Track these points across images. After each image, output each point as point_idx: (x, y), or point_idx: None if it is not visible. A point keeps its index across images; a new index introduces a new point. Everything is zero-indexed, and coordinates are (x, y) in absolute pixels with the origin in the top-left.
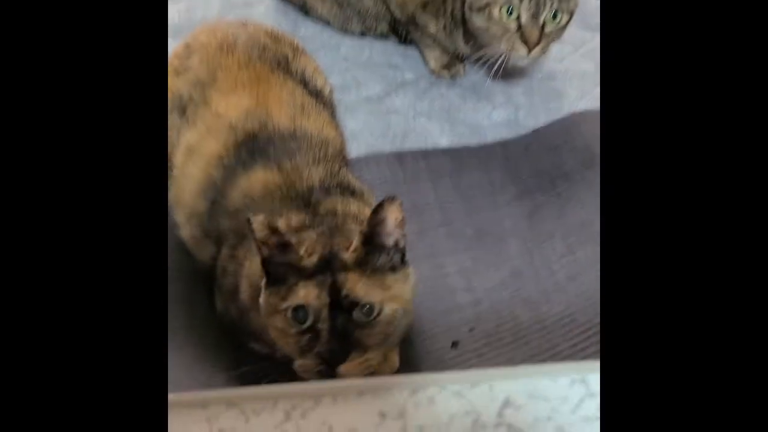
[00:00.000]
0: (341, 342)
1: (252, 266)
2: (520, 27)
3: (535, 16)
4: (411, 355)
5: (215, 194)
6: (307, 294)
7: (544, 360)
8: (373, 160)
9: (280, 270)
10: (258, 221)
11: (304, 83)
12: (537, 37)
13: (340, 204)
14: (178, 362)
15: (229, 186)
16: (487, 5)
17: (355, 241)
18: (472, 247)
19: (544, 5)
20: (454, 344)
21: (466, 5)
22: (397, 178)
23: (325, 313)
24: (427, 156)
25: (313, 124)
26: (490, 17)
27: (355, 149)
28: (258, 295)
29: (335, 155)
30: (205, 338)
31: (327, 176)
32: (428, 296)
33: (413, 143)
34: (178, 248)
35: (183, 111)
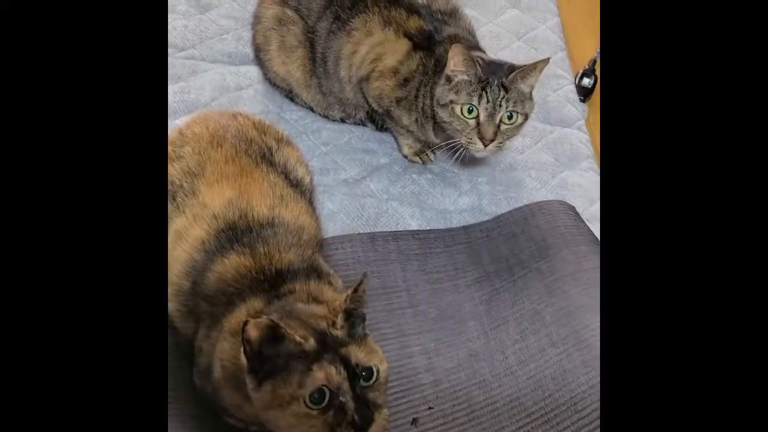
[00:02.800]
0: (366, 407)
1: (223, 348)
2: (478, 124)
3: (491, 116)
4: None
5: (196, 275)
6: (329, 374)
7: None
8: (347, 239)
9: (278, 361)
10: (254, 324)
11: (286, 174)
12: (492, 135)
13: (298, 284)
14: None
15: (207, 269)
16: (451, 102)
17: (340, 319)
18: (435, 328)
19: (500, 107)
20: (414, 421)
21: (434, 100)
22: (369, 258)
23: (345, 385)
24: (397, 238)
25: (291, 213)
26: (452, 113)
27: (331, 229)
28: (231, 378)
29: (309, 241)
30: (185, 410)
31: (297, 260)
32: (393, 374)
33: (385, 225)
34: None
35: (174, 197)
